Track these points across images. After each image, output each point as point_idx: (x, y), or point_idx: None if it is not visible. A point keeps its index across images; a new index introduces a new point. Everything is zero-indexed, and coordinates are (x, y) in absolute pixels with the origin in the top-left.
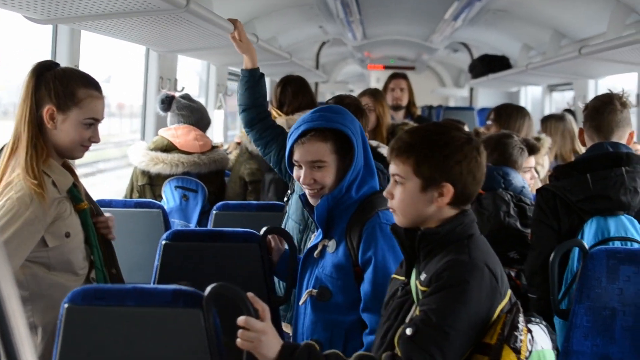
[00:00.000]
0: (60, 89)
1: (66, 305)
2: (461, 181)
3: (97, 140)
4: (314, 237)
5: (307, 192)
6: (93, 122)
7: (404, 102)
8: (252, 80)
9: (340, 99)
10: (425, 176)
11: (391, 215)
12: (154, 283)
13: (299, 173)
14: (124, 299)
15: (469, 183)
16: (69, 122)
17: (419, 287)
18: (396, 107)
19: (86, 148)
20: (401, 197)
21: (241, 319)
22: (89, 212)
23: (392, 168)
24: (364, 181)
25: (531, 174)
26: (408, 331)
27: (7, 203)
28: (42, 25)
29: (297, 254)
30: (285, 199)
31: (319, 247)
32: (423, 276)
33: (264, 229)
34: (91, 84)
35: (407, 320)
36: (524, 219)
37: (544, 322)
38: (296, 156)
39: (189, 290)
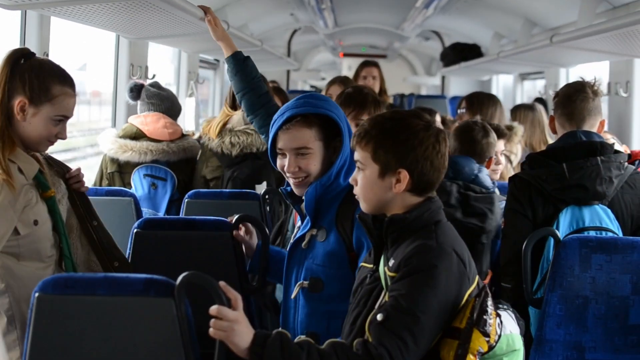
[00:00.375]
0: (35, 83)
1: (37, 295)
2: (417, 168)
3: (63, 137)
4: (299, 228)
5: (291, 181)
6: (62, 119)
7: (376, 90)
8: (238, 64)
9: (359, 89)
10: (382, 162)
11: None
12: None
13: (282, 162)
14: (95, 288)
15: (427, 170)
16: (39, 116)
17: (388, 273)
18: None
19: (51, 143)
20: (362, 184)
21: (213, 309)
22: (56, 202)
23: (355, 155)
24: (350, 168)
25: (497, 159)
26: (379, 317)
27: None
28: (10, 11)
29: (269, 242)
30: None
31: (307, 238)
32: (391, 262)
33: (235, 217)
34: (67, 82)
35: (376, 306)
36: (467, 208)
37: (511, 309)
38: (280, 144)
39: (160, 279)
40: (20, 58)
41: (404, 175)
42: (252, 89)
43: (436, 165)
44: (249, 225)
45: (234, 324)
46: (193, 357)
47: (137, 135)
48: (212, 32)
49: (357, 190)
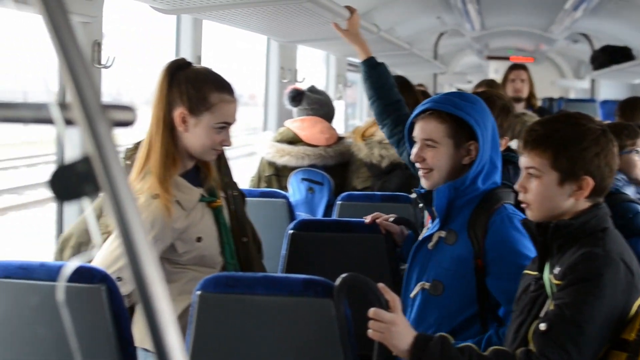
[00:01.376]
0: (192, 93)
1: (198, 293)
2: (599, 174)
3: (228, 144)
4: (427, 228)
5: (419, 172)
6: (225, 126)
7: (525, 93)
8: (369, 70)
9: (490, 92)
10: (564, 169)
11: (515, 209)
12: (281, 272)
13: (414, 150)
14: (255, 287)
15: (606, 175)
16: (201, 126)
17: (553, 281)
18: (516, 99)
19: (217, 152)
20: (537, 191)
21: (371, 311)
22: (222, 209)
23: (526, 161)
24: (488, 175)
25: None
26: (542, 326)
27: None
28: (167, 15)
29: None
30: None
31: (434, 239)
32: (557, 270)
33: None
34: (224, 88)
35: (541, 314)
36: None
37: None
38: (414, 131)
39: (319, 279)
40: (177, 69)
41: (588, 182)
42: (380, 96)
43: (614, 170)
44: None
45: (391, 326)
46: (352, 358)
47: (293, 140)
48: (343, 36)
49: (528, 198)
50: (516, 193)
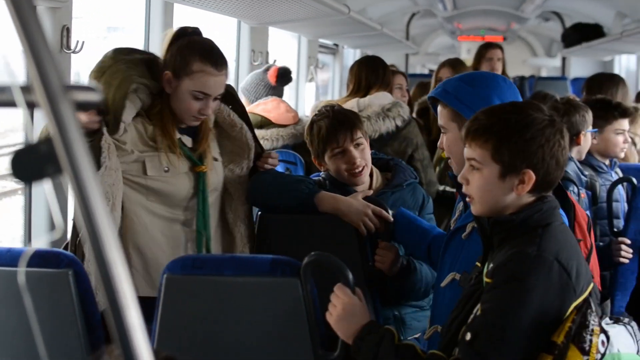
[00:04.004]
0: (178, 57)
1: (165, 275)
2: (543, 167)
3: (206, 114)
4: (461, 217)
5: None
6: (202, 96)
7: (499, 72)
8: None
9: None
10: (505, 162)
11: None
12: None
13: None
14: (222, 268)
15: (552, 169)
16: (180, 90)
17: (484, 278)
18: None
19: (197, 119)
20: (478, 184)
21: (337, 286)
22: (206, 177)
23: (468, 152)
24: None
25: (624, 138)
26: (467, 336)
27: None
28: None
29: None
30: None
31: (468, 229)
32: (490, 266)
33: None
34: (209, 60)
35: (474, 311)
36: None
37: (633, 324)
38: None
39: (286, 259)
40: (181, 36)
41: (530, 175)
42: None
43: (561, 164)
44: None
45: (348, 303)
46: (318, 337)
47: (263, 123)
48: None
49: (470, 191)
50: None
